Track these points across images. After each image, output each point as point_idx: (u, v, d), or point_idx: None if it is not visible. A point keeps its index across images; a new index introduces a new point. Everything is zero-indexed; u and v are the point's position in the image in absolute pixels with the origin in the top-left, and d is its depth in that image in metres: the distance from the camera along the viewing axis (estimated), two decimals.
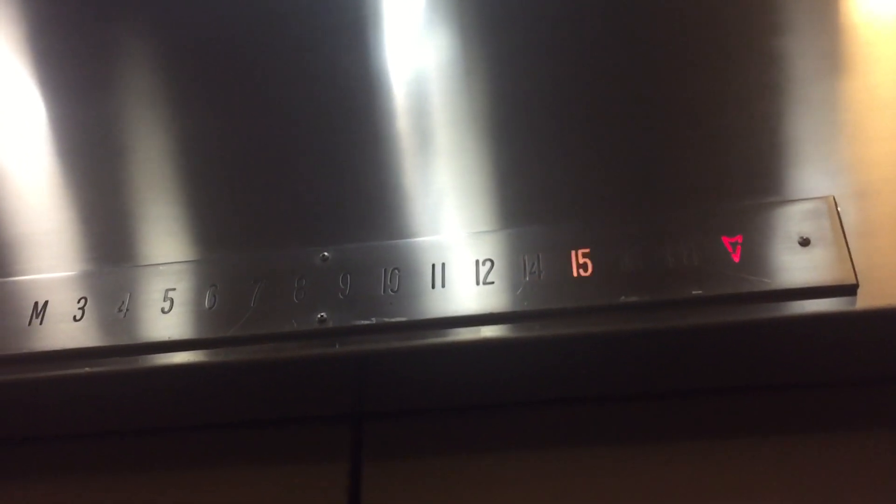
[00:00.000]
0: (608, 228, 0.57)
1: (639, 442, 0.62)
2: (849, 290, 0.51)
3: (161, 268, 0.63)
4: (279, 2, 0.82)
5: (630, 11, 0.73)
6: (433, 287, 0.57)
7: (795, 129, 0.63)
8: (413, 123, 0.71)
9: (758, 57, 0.66)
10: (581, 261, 0.56)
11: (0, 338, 0.61)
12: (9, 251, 0.69)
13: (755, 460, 0.60)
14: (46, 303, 0.63)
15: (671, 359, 0.60)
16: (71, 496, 0.70)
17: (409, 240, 0.60)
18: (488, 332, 0.56)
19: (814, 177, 0.59)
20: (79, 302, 0.62)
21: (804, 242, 0.53)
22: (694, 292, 0.53)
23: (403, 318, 0.56)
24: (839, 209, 0.54)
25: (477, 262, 0.58)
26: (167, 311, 0.60)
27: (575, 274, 0.55)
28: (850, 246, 0.52)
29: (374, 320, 0.57)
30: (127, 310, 0.61)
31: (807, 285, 0.52)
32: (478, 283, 0.57)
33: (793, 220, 0.54)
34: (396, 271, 0.58)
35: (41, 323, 0.62)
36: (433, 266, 0.58)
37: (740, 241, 0.54)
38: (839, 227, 0.53)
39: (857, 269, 0.51)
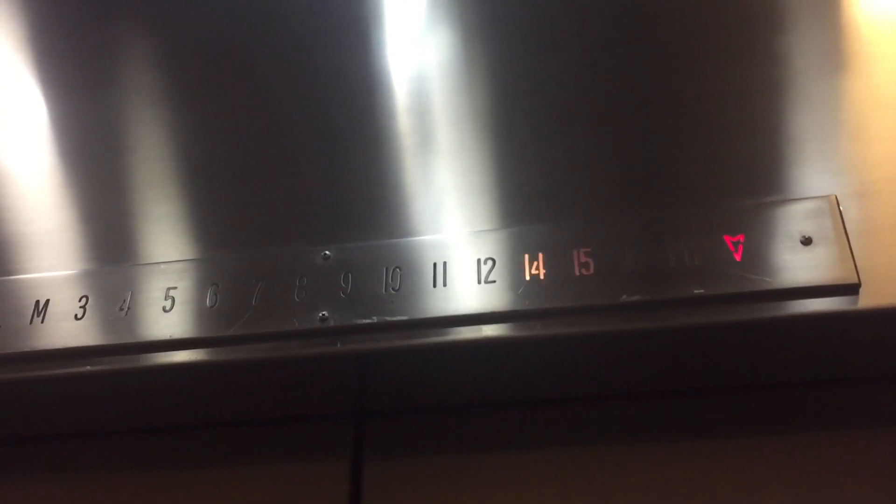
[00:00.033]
0: (610, 227, 0.57)
1: (640, 441, 0.62)
2: (851, 289, 0.51)
3: (162, 266, 0.63)
4: (280, 1, 0.82)
5: (631, 10, 0.73)
6: (434, 286, 0.57)
7: (797, 128, 0.63)
8: (414, 122, 0.71)
9: (760, 55, 0.66)
10: (582, 260, 0.56)
11: (1, 336, 0.61)
12: (10, 249, 0.69)
13: (757, 459, 0.60)
14: (48, 301, 0.63)
15: (673, 358, 0.60)
16: (71, 495, 0.69)
17: (410, 238, 0.60)
18: (490, 330, 0.56)
19: (816, 176, 0.59)
20: (80, 300, 0.62)
21: (806, 241, 0.53)
22: (696, 291, 0.53)
23: (405, 317, 0.56)
24: (841, 208, 0.54)
25: (478, 260, 0.57)
26: (168, 310, 0.60)
27: (576, 273, 0.55)
28: (852, 245, 0.52)
29: (375, 319, 0.57)
30: (128, 308, 0.61)
31: (809, 284, 0.52)
32: (479, 282, 0.57)
33: (795, 219, 0.54)
34: (398, 270, 0.58)
35: (42, 321, 0.62)
36: (434, 265, 0.58)
37: (742, 240, 0.54)
38: (841, 226, 0.53)
39: (859, 269, 0.51)
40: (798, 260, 0.53)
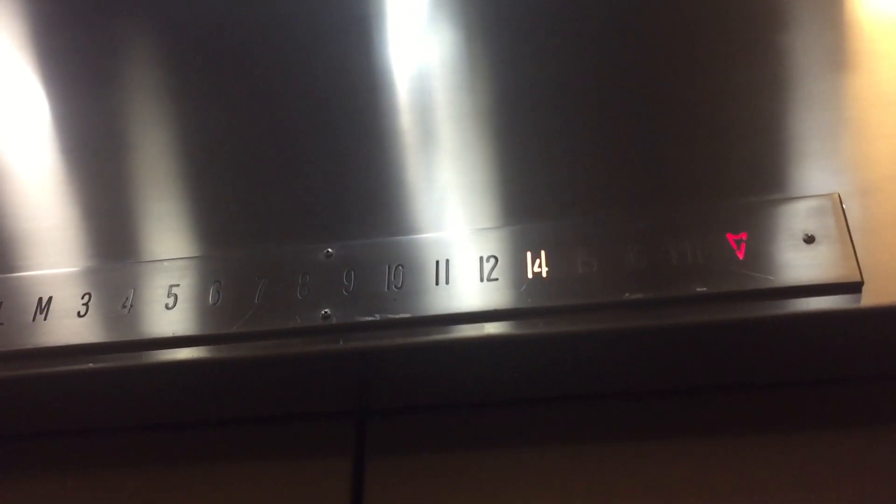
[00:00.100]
0: (612, 225, 0.57)
1: (642, 439, 0.62)
2: (854, 287, 0.51)
3: (165, 264, 0.63)
4: (283, 0, 0.82)
5: (634, 8, 0.73)
6: (437, 284, 0.57)
7: (800, 126, 0.63)
8: (417, 120, 0.71)
9: (762, 54, 0.66)
10: (585, 258, 0.56)
11: (4, 333, 0.61)
12: (13, 247, 0.69)
13: (760, 458, 0.59)
14: (50, 299, 0.63)
15: (675, 356, 0.60)
16: (74, 492, 0.70)
17: (413, 236, 0.60)
18: (492, 328, 0.56)
19: (818, 174, 0.59)
20: (83, 298, 0.62)
21: (809, 240, 0.53)
22: (698, 289, 0.53)
23: (407, 315, 0.56)
24: (844, 206, 0.54)
25: (481, 258, 0.57)
26: (171, 308, 0.60)
27: (579, 271, 0.55)
28: (854, 243, 0.52)
29: (377, 317, 0.57)
30: (131, 306, 0.61)
31: (811, 282, 0.52)
32: (482, 280, 0.57)
33: (797, 217, 0.54)
34: (400, 268, 0.58)
35: (45, 319, 0.62)
36: (437, 263, 0.58)
37: (745, 238, 0.54)
38: (844, 224, 0.53)
39: (861, 267, 0.51)
40: (801, 258, 0.53)
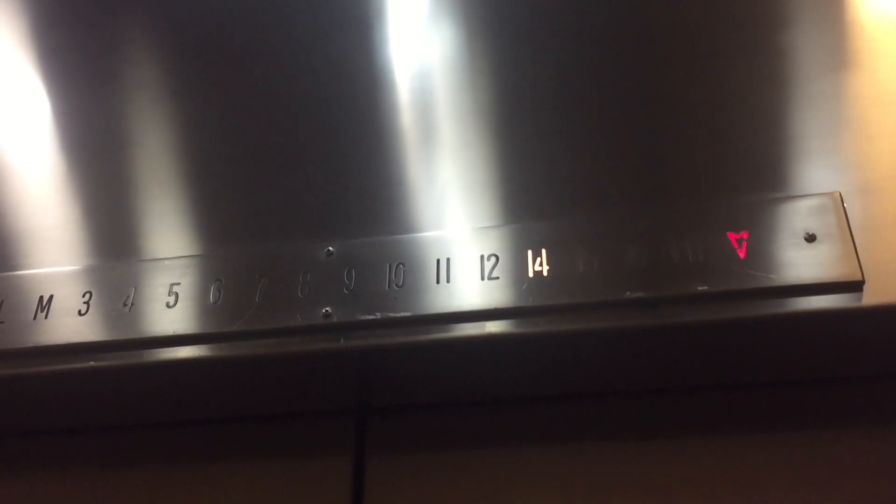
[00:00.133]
0: (613, 224, 0.57)
1: (643, 438, 0.62)
2: (855, 286, 0.51)
3: (166, 262, 0.63)
4: None
5: (635, 8, 0.73)
6: (438, 282, 0.57)
7: (801, 125, 0.63)
8: (418, 118, 0.71)
9: (764, 52, 0.66)
10: (586, 256, 0.56)
11: (5, 332, 0.62)
12: (14, 245, 0.69)
13: (760, 456, 0.59)
14: (51, 297, 0.63)
15: (676, 355, 0.60)
16: (75, 490, 0.70)
17: (413, 235, 0.60)
18: (493, 327, 0.56)
19: (820, 172, 0.59)
20: (84, 296, 0.62)
21: (810, 238, 0.53)
22: (699, 288, 0.53)
23: (408, 314, 0.56)
24: (845, 205, 0.54)
25: (482, 257, 0.57)
26: (172, 306, 0.60)
27: (580, 269, 0.55)
28: (856, 242, 0.52)
29: (378, 315, 0.57)
30: (132, 304, 0.61)
31: (812, 281, 0.52)
32: (482, 279, 0.57)
33: (799, 215, 0.54)
34: (401, 266, 0.58)
35: (46, 317, 0.62)
36: (438, 261, 0.58)
37: (746, 237, 0.54)
38: (845, 223, 0.53)
39: (863, 266, 0.51)
40: (802, 257, 0.52)
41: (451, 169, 0.67)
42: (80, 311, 0.62)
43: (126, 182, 0.73)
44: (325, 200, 0.66)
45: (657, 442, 0.62)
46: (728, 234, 0.54)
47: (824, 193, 0.55)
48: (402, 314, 0.56)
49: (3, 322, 0.62)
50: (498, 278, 0.56)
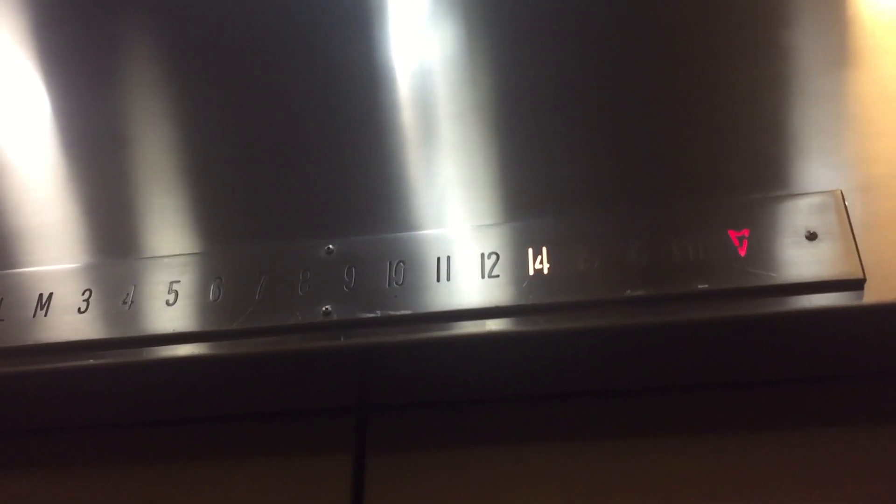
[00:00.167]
0: (614, 222, 0.57)
1: (643, 436, 0.62)
2: (856, 284, 0.51)
3: (166, 260, 0.63)
4: None
5: (636, 6, 0.73)
6: (438, 280, 0.57)
7: (802, 123, 0.62)
8: (418, 116, 0.71)
9: (765, 50, 0.66)
10: (586, 254, 0.56)
11: (5, 329, 0.61)
12: (14, 242, 0.69)
13: (761, 454, 0.59)
14: (51, 294, 0.63)
15: (676, 353, 0.60)
16: (74, 488, 0.70)
17: (414, 233, 0.60)
18: (493, 325, 0.55)
19: (821, 170, 0.59)
20: (83, 294, 0.62)
21: (811, 236, 0.53)
22: (700, 286, 0.53)
23: (408, 311, 0.56)
24: (846, 203, 0.54)
25: (482, 255, 0.57)
26: (172, 304, 0.60)
27: (580, 267, 0.55)
28: (857, 240, 0.52)
29: (378, 313, 0.57)
30: (131, 302, 0.61)
31: (814, 279, 0.52)
32: (483, 277, 0.56)
33: (800, 214, 0.54)
34: (401, 264, 0.58)
35: (46, 315, 0.62)
36: (438, 259, 0.58)
37: (747, 235, 0.54)
38: (846, 221, 0.53)
39: (864, 264, 0.51)
40: (803, 255, 0.52)
41: (451, 167, 0.67)
42: (79, 309, 0.61)
43: (126, 180, 0.73)
44: (325, 198, 0.66)
45: (658, 440, 0.62)
46: (729, 232, 0.54)
47: (825, 192, 0.54)
48: (403, 312, 0.56)
49: (2, 320, 0.62)
50: (498, 276, 0.56)
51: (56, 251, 0.67)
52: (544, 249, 0.56)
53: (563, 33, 0.72)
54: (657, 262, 0.54)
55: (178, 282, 0.61)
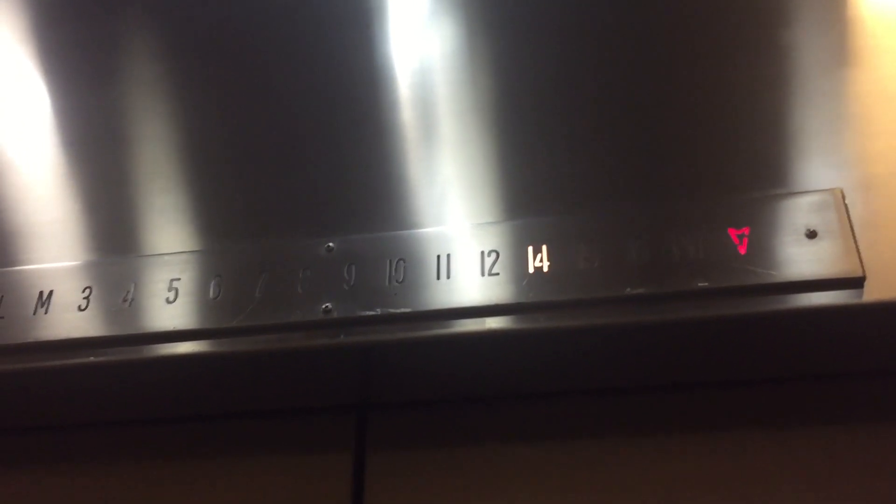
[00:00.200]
0: (614, 220, 0.57)
1: (644, 434, 0.62)
2: (856, 282, 0.51)
3: (166, 258, 0.63)
4: None
5: (637, 3, 0.73)
6: (438, 278, 0.57)
7: (803, 122, 0.62)
8: (418, 114, 0.71)
9: (765, 49, 0.66)
10: (586, 252, 0.56)
11: (5, 327, 0.61)
12: (14, 240, 0.69)
13: (760, 452, 0.59)
14: (51, 292, 0.63)
15: (676, 351, 0.59)
16: (74, 486, 0.70)
17: (414, 231, 0.60)
18: (493, 323, 0.56)
19: (821, 169, 0.59)
20: (84, 291, 0.62)
21: (811, 235, 0.53)
22: (700, 284, 0.53)
23: (408, 309, 0.56)
24: (846, 202, 0.54)
25: (482, 253, 0.57)
26: (172, 302, 0.60)
27: (580, 265, 0.55)
28: (857, 238, 0.52)
29: (378, 311, 0.57)
30: (132, 300, 0.61)
31: (813, 278, 0.52)
32: (483, 275, 0.57)
33: (800, 212, 0.54)
34: (402, 262, 0.58)
35: (46, 312, 0.62)
36: (438, 257, 0.58)
37: (747, 233, 0.54)
38: (846, 219, 0.53)
39: (864, 262, 0.51)
40: (803, 253, 0.52)
41: (451, 165, 0.67)
42: (79, 307, 0.61)
43: (126, 177, 0.73)
44: (325, 196, 0.66)
45: (657, 438, 0.62)
46: (729, 230, 0.54)
47: (825, 190, 0.55)
48: (403, 310, 0.56)
49: (2, 317, 0.62)
50: (498, 274, 0.56)
51: (56, 249, 0.67)
52: (544, 247, 0.57)
53: (563, 32, 0.72)
54: (657, 260, 0.54)
55: (179, 279, 0.61)
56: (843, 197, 0.54)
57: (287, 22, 0.80)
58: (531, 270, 0.56)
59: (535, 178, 0.63)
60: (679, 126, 0.64)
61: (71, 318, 0.61)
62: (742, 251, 0.53)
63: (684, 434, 0.61)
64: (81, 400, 0.68)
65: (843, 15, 0.68)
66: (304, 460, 0.67)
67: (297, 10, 0.80)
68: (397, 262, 0.58)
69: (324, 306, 0.58)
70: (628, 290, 0.54)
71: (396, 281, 0.58)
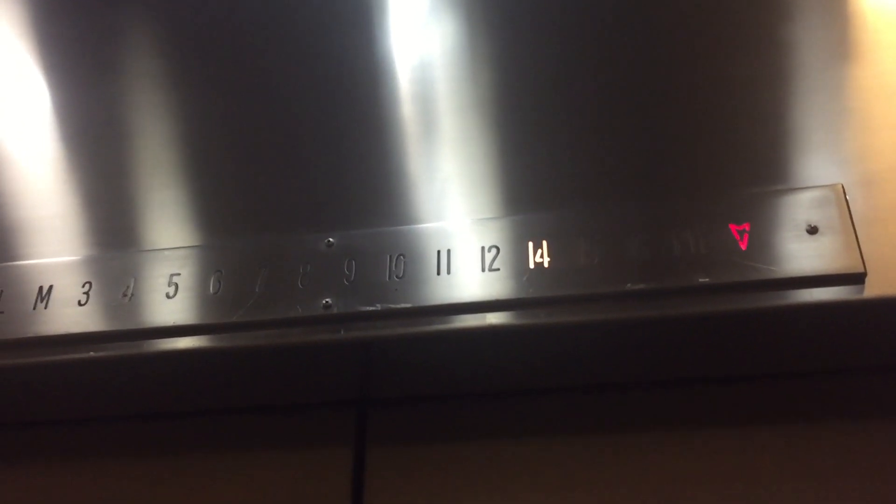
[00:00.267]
0: (614, 216, 0.57)
1: (644, 430, 0.62)
2: (857, 278, 0.51)
3: (166, 253, 0.63)
4: None
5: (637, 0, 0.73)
6: (438, 273, 0.57)
7: (804, 117, 0.62)
8: (419, 110, 0.71)
9: (766, 44, 0.66)
10: (587, 248, 0.56)
11: (5, 322, 0.61)
12: (14, 235, 0.69)
13: (761, 448, 0.60)
14: (51, 287, 0.63)
15: (677, 347, 0.59)
16: (73, 481, 0.70)
17: (414, 226, 0.60)
18: (494, 318, 0.55)
19: (822, 165, 0.59)
20: (83, 286, 0.62)
21: (812, 230, 0.53)
22: (701, 280, 0.53)
23: (409, 305, 0.56)
24: (847, 197, 0.54)
25: (483, 248, 0.57)
26: (172, 297, 0.60)
27: (581, 261, 0.55)
28: (858, 234, 0.52)
29: (379, 306, 0.57)
30: (131, 295, 0.61)
31: (814, 273, 0.51)
32: (483, 270, 0.56)
33: (801, 208, 0.54)
34: (402, 257, 0.58)
35: (46, 307, 0.62)
36: (438, 252, 0.58)
37: (748, 228, 0.54)
38: (847, 215, 0.53)
39: (865, 258, 0.51)
40: (804, 249, 0.52)
41: (452, 160, 0.66)
42: (79, 302, 0.61)
43: (126, 172, 0.73)
44: (325, 191, 0.66)
45: (658, 434, 0.62)
46: (730, 226, 0.54)
47: (826, 186, 0.54)
48: (403, 305, 0.56)
49: (2, 312, 0.62)
50: (499, 270, 0.56)
51: (56, 244, 0.67)
52: (545, 243, 0.56)
53: (563, 28, 0.72)
54: (658, 255, 0.54)
55: (179, 274, 0.61)
56: (844, 192, 0.54)
57: (288, 17, 0.80)
58: (532, 266, 0.56)
59: (535, 174, 0.63)
60: (680, 122, 0.64)
61: (71, 312, 0.61)
62: (743, 247, 0.53)
63: (685, 430, 0.61)
64: (81, 395, 0.68)
65: (844, 10, 0.68)
66: (304, 456, 0.67)
67: (298, 5, 0.80)
68: (397, 258, 0.58)
69: (324, 301, 0.58)
70: (629, 285, 0.54)
71: (397, 276, 0.57)
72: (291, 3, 0.80)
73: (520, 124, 0.67)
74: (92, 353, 0.60)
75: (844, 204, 0.53)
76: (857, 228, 0.52)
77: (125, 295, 0.61)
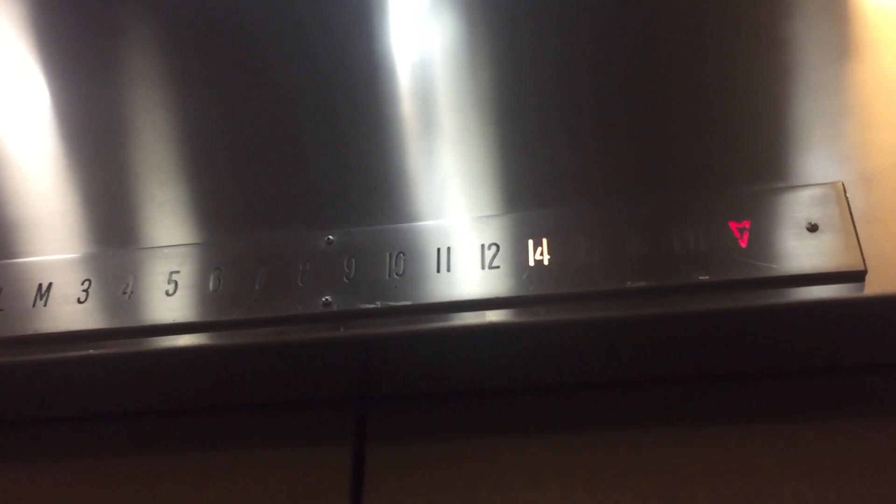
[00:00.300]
0: (614, 213, 0.57)
1: (643, 428, 0.62)
2: (857, 276, 0.51)
3: (165, 250, 0.63)
4: None
5: None
6: (438, 271, 0.57)
7: (804, 115, 0.62)
8: (418, 107, 0.71)
9: (766, 41, 0.66)
10: (587, 245, 0.55)
11: (4, 319, 0.61)
12: (13, 232, 0.69)
13: (762, 446, 0.59)
14: (50, 285, 0.63)
15: (677, 344, 0.59)
16: (73, 478, 0.70)
17: (414, 224, 0.60)
18: (493, 316, 0.55)
19: (822, 162, 0.58)
20: (83, 284, 0.62)
21: (812, 228, 0.53)
22: (701, 278, 0.53)
23: (408, 302, 0.56)
24: (848, 195, 0.53)
25: (482, 246, 0.57)
26: (171, 294, 0.60)
27: (581, 258, 0.55)
28: (858, 232, 0.52)
29: (378, 304, 0.57)
30: (131, 292, 0.61)
31: (815, 271, 0.51)
32: (483, 268, 0.56)
33: (801, 205, 0.54)
34: (402, 255, 0.58)
35: (45, 305, 0.62)
36: (438, 250, 0.58)
37: (748, 226, 0.54)
38: (848, 212, 0.53)
39: (865, 256, 0.51)
40: (804, 247, 0.52)
41: (451, 158, 0.66)
42: (79, 299, 0.61)
43: (125, 170, 0.73)
44: (325, 189, 0.66)
45: (658, 432, 0.62)
46: (730, 223, 0.54)
47: (826, 183, 0.54)
48: (403, 303, 0.56)
49: (2, 309, 0.62)
50: (498, 267, 0.56)
51: (56, 241, 0.67)
52: (545, 241, 0.56)
53: (564, 25, 0.72)
54: (658, 253, 0.54)
55: (178, 272, 0.61)
56: (845, 190, 0.54)
57: (287, 14, 0.80)
58: (531, 263, 0.56)
59: (535, 171, 0.63)
60: (680, 119, 0.64)
61: (70, 310, 0.61)
62: (743, 244, 0.53)
63: (685, 428, 0.61)
64: (80, 393, 0.68)
65: (844, 8, 0.68)
66: (304, 453, 0.67)
67: (298, 4, 0.80)
68: (397, 255, 0.58)
69: (323, 299, 0.57)
70: (629, 283, 0.54)
71: (396, 274, 0.57)
72: (291, 2, 0.80)
73: (520, 122, 0.67)
74: (91, 351, 0.60)
75: (845, 202, 0.53)
76: (857, 226, 0.52)
77: (125, 292, 0.61)
